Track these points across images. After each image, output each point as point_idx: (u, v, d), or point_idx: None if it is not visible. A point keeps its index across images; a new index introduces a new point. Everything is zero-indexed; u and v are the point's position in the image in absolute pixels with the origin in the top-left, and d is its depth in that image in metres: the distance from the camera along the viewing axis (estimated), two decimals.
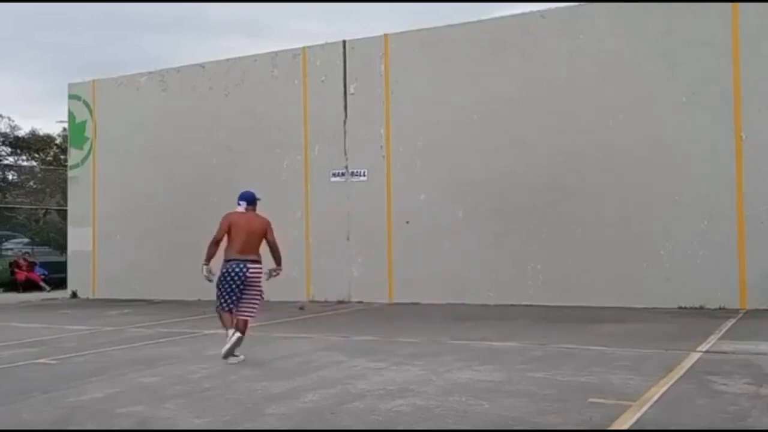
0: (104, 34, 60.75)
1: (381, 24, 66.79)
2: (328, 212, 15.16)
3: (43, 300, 17.97)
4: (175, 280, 16.07)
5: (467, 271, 13.81)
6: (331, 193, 15.17)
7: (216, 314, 8.14)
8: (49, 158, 31.50)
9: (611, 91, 12.94)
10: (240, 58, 16.47)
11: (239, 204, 8.23)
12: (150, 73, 17.69)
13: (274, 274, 8.17)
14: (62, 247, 21.57)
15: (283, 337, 10.00)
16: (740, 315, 11.19)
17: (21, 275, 20.77)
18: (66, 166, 20.20)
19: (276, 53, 16.01)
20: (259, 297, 8.04)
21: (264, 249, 8.18)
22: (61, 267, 19.65)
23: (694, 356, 7.62)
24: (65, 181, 19.98)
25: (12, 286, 20.66)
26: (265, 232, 8.13)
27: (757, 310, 11.59)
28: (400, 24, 58.10)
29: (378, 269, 14.63)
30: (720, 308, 11.78)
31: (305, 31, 62.93)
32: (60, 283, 19.61)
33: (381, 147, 14.79)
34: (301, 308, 13.77)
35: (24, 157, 32.14)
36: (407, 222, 14.44)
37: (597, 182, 12.99)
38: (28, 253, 22.75)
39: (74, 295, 18.17)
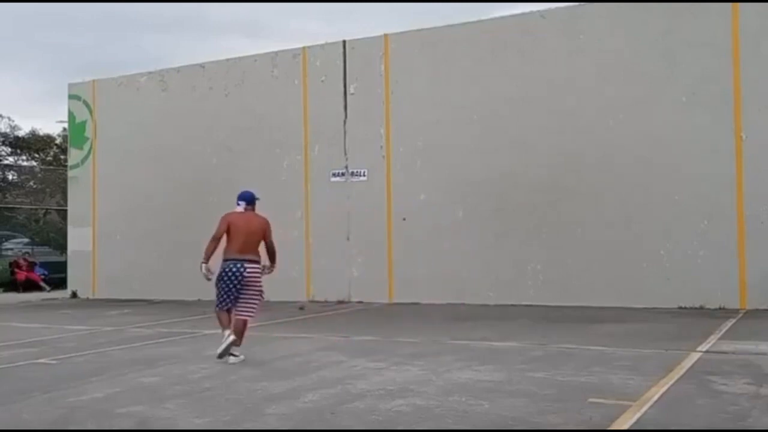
0: (104, 34, 60.79)
1: (381, 24, 66.83)
2: (328, 212, 15.16)
3: (43, 300, 17.97)
4: (175, 280, 16.06)
5: (467, 271, 13.81)
6: (331, 193, 15.17)
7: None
8: (49, 158, 31.50)
9: (611, 91, 12.95)
10: (240, 58, 16.47)
11: (238, 204, 8.24)
12: (150, 73, 17.69)
13: (266, 271, 8.19)
14: (62, 247, 21.57)
15: (283, 337, 10.00)
16: (740, 315, 11.19)
17: (21, 275, 20.78)
18: (66, 166, 20.20)
19: (276, 53, 16.01)
20: (257, 297, 8.03)
21: (263, 248, 8.19)
22: (61, 267, 19.65)
23: (694, 356, 7.62)
24: (65, 181, 19.98)
25: (12, 286, 20.66)
26: (264, 232, 8.14)
27: (757, 310, 11.59)
28: (400, 24, 58.11)
29: (378, 269, 14.63)
30: (720, 308, 11.78)
31: (305, 31, 62.98)
32: (60, 283, 19.61)
33: (381, 147, 14.79)
34: (301, 308, 13.77)
35: (24, 157, 32.16)
36: (404, 219, 14.45)
37: (597, 182, 12.99)
38: (28, 253, 22.75)
39: (74, 295, 18.17)
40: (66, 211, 19.84)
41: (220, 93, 16.54)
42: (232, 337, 7.75)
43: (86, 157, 18.30)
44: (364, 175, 14.95)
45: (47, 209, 27.45)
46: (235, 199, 8.35)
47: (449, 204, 14.10)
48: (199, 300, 14.54)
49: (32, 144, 31.59)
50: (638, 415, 5.30)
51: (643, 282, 12.51)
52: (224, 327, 7.94)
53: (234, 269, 7.88)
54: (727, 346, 8.29)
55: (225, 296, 7.94)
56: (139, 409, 5.81)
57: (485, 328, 10.30)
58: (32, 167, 31.56)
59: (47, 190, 29.12)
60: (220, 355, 7.74)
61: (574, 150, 13.16)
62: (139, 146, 17.51)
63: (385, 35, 14.92)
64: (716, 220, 12.12)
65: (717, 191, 12.13)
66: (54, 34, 58.94)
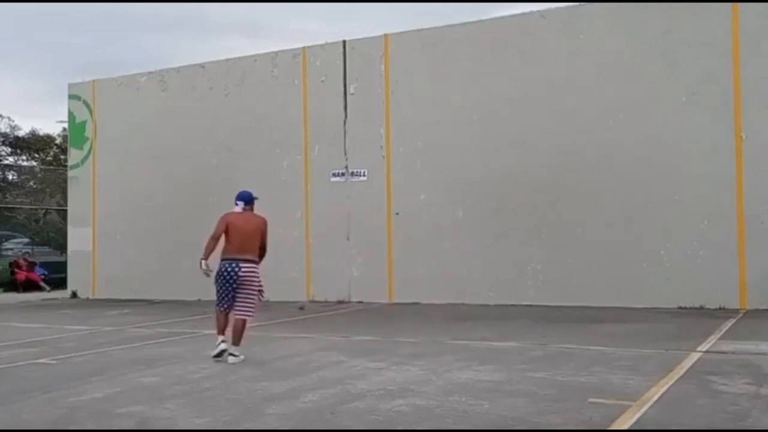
0: (104, 34, 60.80)
1: (381, 24, 66.82)
2: (328, 212, 15.16)
3: (43, 300, 17.97)
4: (175, 280, 16.07)
5: (467, 271, 13.81)
6: (331, 193, 15.17)
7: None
8: (49, 158, 31.50)
9: (611, 91, 12.95)
10: (240, 58, 16.47)
11: (237, 204, 8.26)
12: (150, 73, 17.69)
13: None
14: (62, 247, 21.57)
15: (283, 337, 10.00)
16: (740, 315, 11.19)
17: (21, 275, 20.78)
18: (66, 166, 20.20)
19: (276, 53, 16.01)
20: (254, 296, 8.03)
21: None
22: (61, 267, 19.65)
23: (694, 356, 7.62)
24: (65, 181, 19.98)
25: (12, 286, 20.66)
26: (262, 233, 8.16)
27: (757, 310, 11.59)
28: (400, 24, 58.12)
29: (378, 269, 14.64)
30: (720, 308, 11.78)
31: (305, 31, 62.98)
32: (60, 283, 19.61)
33: (381, 147, 14.79)
34: (301, 308, 13.77)
35: (24, 157, 32.15)
36: (397, 213, 14.47)
37: (597, 182, 12.99)
38: (28, 253, 22.75)
39: (74, 295, 18.17)
40: (66, 211, 19.84)
41: (220, 93, 16.55)
42: (223, 345, 7.90)
43: (86, 157, 18.30)
44: (364, 175, 14.95)
45: (47, 209, 27.44)
46: (234, 199, 8.36)
47: (449, 204, 14.09)
48: (199, 300, 14.55)
49: (32, 144, 31.58)
50: (638, 415, 5.30)
51: (643, 282, 12.51)
52: (219, 332, 8.05)
53: (229, 269, 7.92)
54: (727, 346, 8.29)
55: (222, 296, 8.00)
56: (139, 409, 5.81)
57: (485, 328, 10.31)
58: (32, 167, 31.56)
59: (47, 190, 29.12)
60: (215, 356, 7.84)
61: (574, 150, 13.16)
62: (139, 146, 17.51)
63: (385, 35, 14.92)
64: (716, 220, 12.12)
65: (717, 191, 12.13)
66: (54, 34, 58.99)
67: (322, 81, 15.37)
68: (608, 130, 12.94)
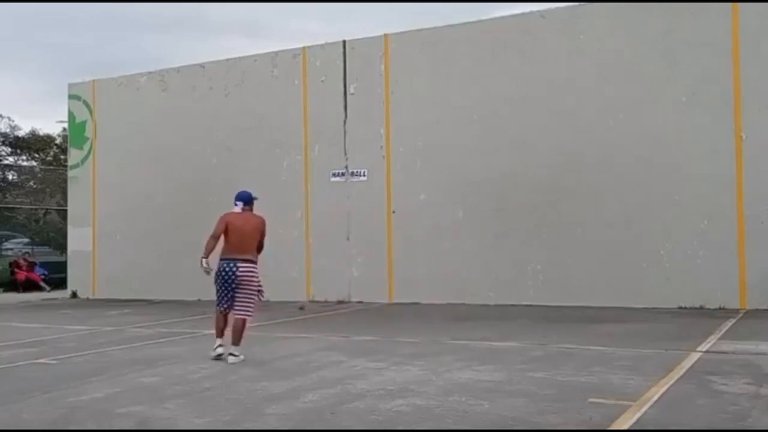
0: (104, 34, 60.80)
1: (381, 24, 66.82)
2: (328, 212, 15.16)
3: (43, 300, 17.97)
4: (175, 280, 16.07)
5: (467, 271, 13.81)
6: (331, 193, 15.17)
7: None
8: (49, 158, 31.50)
9: (611, 91, 12.94)
10: (240, 58, 16.47)
11: (236, 204, 8.29)
12: (150, 73, 17.69)
13: None
14: (62, 247, 21.57)
15: (283, 337, 10.00)
16: (740, 315, 11.19)
17: (21, 275, 20.78)
18: (66, 166, 20.20)
19: (276, 53, 16.01)
20: (253, 296, 8.05)
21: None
22: (61, 267, 19.65)
23: (694, 356, 7.62)
24: (65, 181, 19.98)
25: (12, 286, 20.66)
26: (261, 233, 8.18)
27: (757, 310, 11.59)
28: (400, 24, 58.11)
29: (378, 269, 14.64)
30: (720, 308, 11.78)
31: (305, 31, 62.99)
32: (60, 283, 19.61)
33: (381, 147, 14.79)
34: (301, 308, 13.77)
35: (24, 157, 32.15)
36: (394, 211, 14.48)
37: (597, 182, 12.99)
38: (28, 253, 22.75)
39: (74, 295, 18.17)
40: (66, 211, 19.84)
41: (220, 93, 16.55)
42: (220, 350, 8.00)
43: (86, 157, 18.30)
44: (364, 175, 14.95)
45: (47, 209, 27.44)
46: (234, 200, 8.38)
47: (449, 204, 14.09)
48: (199, 300, 14.55)
49: (32, 144, 31.58)
50: (638, 415, 5.30)
51: (643, 282, 12.51)
52: (217, 335, 8.13)
53: (227, 269, 7.96)
54: (727, 346, 8.29)
55: (221, 296, 8.05)
56: (139, 409, 5.82)
57: (485, 328, 10.31)
58: (32, 167, 31.55)
59: (47, 190, 29.12)
60: (213, 358, 7.91)
61: (574, 150, 13.16)
62: (139, 146, 17.51)
63: (385, 35, 14.92)
64: (716, 220, 12.12)
65: (717, 191, 12.12)
66: (54, 34, 58.99)
67: (322, 81, 15.37)
68: (608, 130, 12.94)
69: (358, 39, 15.20)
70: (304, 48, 15.69)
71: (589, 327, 10.29)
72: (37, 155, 31.89)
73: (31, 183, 30.80)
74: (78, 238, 18.34)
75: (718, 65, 12.20)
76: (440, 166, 14.23)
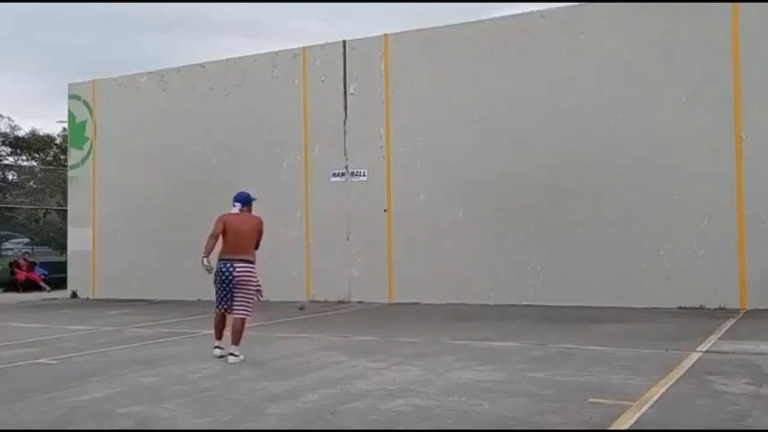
0: (104, 34, 60.81)
1: (381, 24, 66.82)
2: (328, 212, 15.16)
3: (43, 300, 17.97)
4: (175, 280, 16.08)
5: (467, 271, 13.81)
6: (331, 193, 15.17)
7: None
8: (49, 158, 31.50)
9: (611, 91, 12.94)
10: (240, 58, 16.47)
11: (234, 205, 8.31)
12: (150, 73, 17.69)
13: None
14: (62, 247, 21.57)
15: (283, 337, 10.00)
16: (740, 315, 11.19)
17: (21, 275, 20.78)
18: (66, 166, 20.20)
19: (276, 53, 16.01)
20: (251, 296, 8.06)
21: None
22: (61, 267, 19.65)
23: (694, 356, 7.62)
24: (65, 181, 19.98)
25: (12, 286, 20.66)
26: (258, 233, 8.20)
27: (757, 310, 11.59)
28: (400, 24, 58.12)
29: (378, 269, 14.63)
30: (720, 308, 11.78)
31: (305, 31, 62.99)
32: (60, 283, 19.61)
33: (381, 147, 14.79)
34: (301, 308, 13.77)
35: (24, 157, 32.15)
36: (385, 210, 14.49)
37: (597, 182, 12.99)
38: (28, 253, 22.75)
39: (74, 295, 18.17)
40: (66, 211, 19.83)
41: (220, 93, 16.55)
42: (217, 352, 8.09)
43: (86, 157, 18.30)
44: (364, 175, 14.95)
45: (47, 209, 27.44)
46: (232, 200, 8.40)
47: (449, 204, 14.09)
48: (199, 300, 14.56)
49: (32, 144, 31.58)
50: (638, 415, 5.30)
51: (643, 282, 12.51)
52: (216, 336, 8.21)
53: (224, 269, 8.00)
54: (727, 346, 8.29)
55: (220, 296, 8.09)
56: (139, 409, 5.82)
57: (485, 328, 10.30)
58: (32, 167, 31.55)
59: (47, 190, 29.12)
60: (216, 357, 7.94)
61: (574, 150, 13.16)
62: (139, 146, 17.51)
63: (385, 35, 14.92)
64: (716, 220, 12.12)
65: (717, 191, 12.12)
66: (54, 34, 59.00)
67: (322, 81, 15.37)
68: (608, 130, 12.94)
69: (358, 39, 15.20)
70: (304, 48, 15.69)
71: (589, 327, 10.29)
72: (37, 155, 31.89)
73: (31, 183, 30.80)
74: (78, 238, 18.35)
75: (718, 65, 12.20)
76: (440, 166, 14.23)
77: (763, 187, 11.86)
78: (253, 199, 8.43)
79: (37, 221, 26.51)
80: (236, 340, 7.90)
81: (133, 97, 17.69)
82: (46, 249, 25.08)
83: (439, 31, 14.46)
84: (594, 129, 13.06)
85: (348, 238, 14.98)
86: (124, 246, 17.50)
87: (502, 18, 14.23)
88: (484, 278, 13.67)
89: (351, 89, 15.12)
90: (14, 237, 26.36)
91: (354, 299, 14.71)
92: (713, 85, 12.22)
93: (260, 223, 8.27)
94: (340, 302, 14.63)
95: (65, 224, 19.92)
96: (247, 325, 8.10)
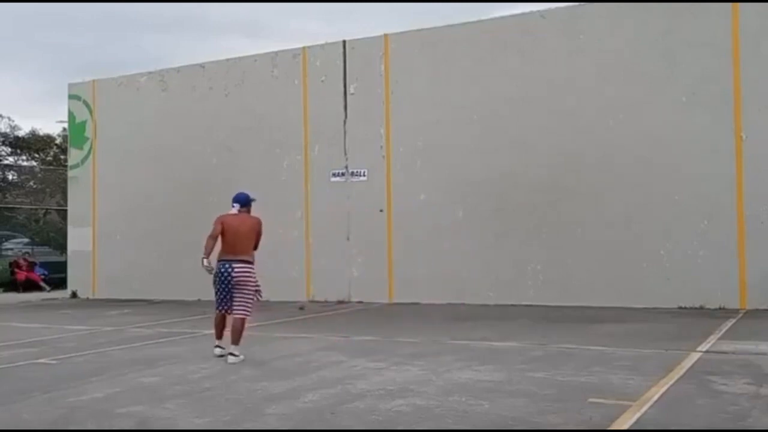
0: (104, 34, 60.81)
1: (381, 24, 66.82)
2: (328, 212, 15.16)
3: (43, 300, 17.97)
4: (175, 280, 16.08)
5: (467, 271, 13.81)
6: (331, 193, 15.17)
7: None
8: (49, 158, 31.50)
9: (611, 91, 12.94)
10: (240, 58, 16.47)
11: (233, 206, 8.32)
12: (150, 73, 17.69)
13: None
14: (62, 247, 21.57)
15: (283, 337, 10.00)
16: (740, 315, 11.19)
17: (21, 275, 20.78)
18: (66, 166, 20.20)
19: (276, 53, 16.01)
20: (250, 296, 8.07)
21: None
22: (61, 267, 19.65)
23: (694, 356, 7.62)
24: (65, 181, 19.98)
25: (12, 286, 20.66)
26: (257, 234, 8.21)
27: (757, 310, 11.59)
28: (400, 24, 58.12)
29: (378, 269, 14.63)
30: (720, 308, 11.78)
31: (305, 31, 62.99)
32: (60, 283, 19.61)
33: (381, 147, 14.79)
34: (301, 308, 13.77)
35: (24, 157, 32.15)
36: (381, 210, 14.50)
37: (597, 182, 12.99)
38: (28, 253, 22.75)
39: (74, 295, 18.17)
40: (66, 211, 19.83)
41: (220, 93, 16.55)
42: (218, 351, 8.12)
43: (86, 157, 18.30)
44: (364, 175, 14.95)
45: (47, 209, 27.44)
46: (231, 201, 8.42)
47: (449, 204, 14.09)
48: (199, 300, 14.55)
49: (32, 144, 31.58)
50: (638, 415, 5.30)
51: (643, 282, 12.51)
52: (216, 336, 8.24)
53: (222, 270, 8.02)
54: (727, 346, 8.29)
55: (219, 297, 8.12)
56: (139, 409, 5.82)
57: (485, 328, 10.30)
58: (32, 167, 31.55)
59: (47, 190, 29.12)
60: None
61: (574, 150, 13.16)
62: (139, 146, 17.51)
63: (385, 35, 14.92)
64: (716, 220, 12.12)
65: (717, 191, 12.12)
66: (54, 34, 59.00)
67: (322, 81, 15.37)
68: (608, 130, 12.94)
69: (358, 39, 15.20)
70: (304, 48, 15.69)
71: (589, 327, 10.29)
72: (37, 155, 31.89)
73: (31, 183, 30.80)
74: (78, 238, 18.34)
75: (718, 65, 12.20)
76: (440, 166, 14.23)
77: (763, 187, 11.86)
78: (252, 200, 8.45)
79: (37, 221, 26.51)
80: (236, 340, 7.91)
81: (133, 97, 17.69)
82: (46, 249, 25.08)
83: (439, 31, 14.46)
84: (594, 129, 13.06)
85: (348, 238, 14.98)
86: (124, 246, 17.50)
87: (502, 18, 14.23)
88: (484, 278, 13.67)
89: (351, 89, 15.12)
90: (14, 237, 26.37)
91: (354, 299, 14.71)
92: (713, 85, 12.22)
93: (259, 223, 8.28)
94: (340, 302, 14.63)
95: (65, 224, 19.92)
96: (246, 325, 8.11)
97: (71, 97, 18.64)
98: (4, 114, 32.51)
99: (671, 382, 6.35)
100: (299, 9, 66.19)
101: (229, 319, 8.12)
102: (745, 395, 5.83)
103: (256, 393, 6.33)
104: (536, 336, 9.39)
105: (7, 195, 28.08)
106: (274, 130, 15.81)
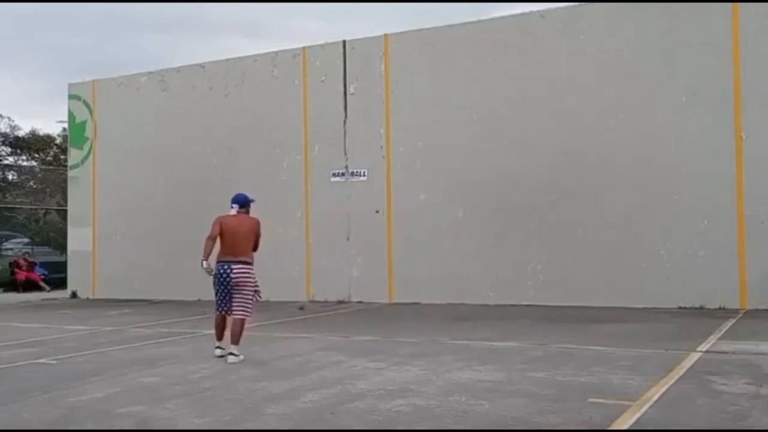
0: (104, 34, 60.81)
1: (381, 24, 66.83)
2: (328, 212, 15.16)
3: (43, 300, 17.97)
4: (175, 280, 16.07)
5: (467, 271, 13.81)
6: (331, 193, 15.17)
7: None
8: (49, 158, 31.50)
9: (611, 91, 12.94)
10: (240, 58, 16.47)
11: (232, 207, 8.32)
12: (150, 73, 17.69)
13: None
14: (62, 247, 21.57)
15: (283, 337, 10.00)
16: (740, 315, 11.19)
17: (21, 275, 20.78)
18: (66, 166, 20.20)
19: (276, 53, 16.01)
20: (249, 297, 8.07)
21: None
22: (61, 267, 19.65)
23: (694, 356, 7.62)
24: (65, 181, 19.98)
25: (12, 286, 20.66)
26: (255, 234, 8.21)
27: (757, 310, 11.59)
28: (400, 24, 58.12)
29: (378, 269, 14.63)
30: (720, 308, 11.78)
31: (305, 31, 63.00)
32: (60, 283, 19.61)
33: (381, 147, 14.79)
34: (301, 308, 13.77)
35: (24, 157, 32.15)
36: (377, 211, 14.51)
37: (597, 182, 12.99)
38: (28, 253, 22.75)
39: (74, 295, 18.17)
40: (66, 211, 19.83)
41: (220, 93, 16.54)
42: (218, 351, 8.12)
43: (86, 157, 18.30)
44: (364, 175, 14.95)
45: (47, 209, 27.44)
46: (230, 202, 8.42)
47: (449, 204, 14.09)
48: (199, 300, 14.55)
49: (32, 144, 31.58)
50: (638, 415, 5.30)
51: (643, 282, 12.51)
52: (217, 337, 8.24)
53: (221, 271, 8.02)
54: (727, 346, 8.29)
55: (218, 298, 8.13)
56: (139, 409, 5.82)
57: (485, 328, 10.30)
58: (32, 167, 31.55)
59: (47, 190, 29.12)
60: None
61: (574, 150, 13.16)
62: (139, 146, 17.51)
63: (385, 35, 14.92)
64: (716, 220, 12.12)
65: (717, 191, 12.12)
66: (54, 34, 59.01)
67: (322, 81, 15.37)
68: (608, 130, 12.94)
69: (358, 39, 15.20)
70: (304, 48, 15.69)
71: (589, 327, 10.29)
72: (37, 155, 31.89)
73: (31, 183, 30.80)
74: (78, 238, 18.34)
75: (718, 65, 12.20)
76: (440, 166, 14.23)
77: (763, 187, 11.86)
78: (251, 201, 8.45)
79: (37, 221, 26.51)
80: (236, 340, 7.92)
81: (133, 97, 17.69)
82: (46, 249, 25.08)
83: (439, 31, 14.46)
84: (594, 129, 13.06)
85: (348, 238, 14.98)
86: (124, 246, 17.50)
87: (502, 18, 14.23)
88: (484, 278, 13.67)
89: (351, 89, 15.12)
90: (14, 237, 26.37)
91: (354, 299, 14.71)
92: (713, 85, 12.22)
93: (257, 224, 8.28)
94: (340, 302, 14.63)
95: (65, 224, 19.92)
96: (246, 325, 8.12)
97: (71, 97, 18.64)
98: (4, 114, 32.58)
99: (671, 382, 6.35)
100: (299, 9, 66.22)
101: (230, 320, 8.12)
102: (745, 395, 5.83)
103: (256, 393, 6.33)
104: (536, 336, 9.39)
105: (7, 195, 28.08)
106: (274, 130, 15.81)
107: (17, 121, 42.50)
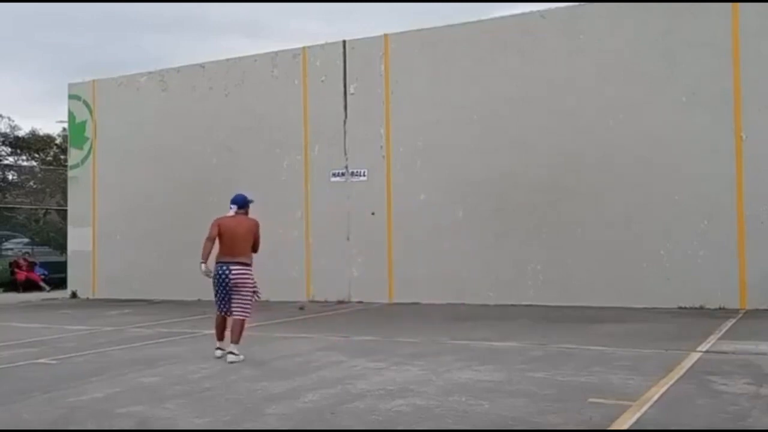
0: (104, 34, 60.82)
1: (381, 24, 66.83)
2: (328, 212, 15.16)
3: (43, 300, 17.97)
4: (175, 280, 16.07)
5: (467, 271, 13.81)
6: (331, 193, 15.17)
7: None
8: (49, 158, 31.50)
9: (611, 91, 12.94)
10: (240, 58, 16.47)
11: (231, 208, 8.32)
12: (150, 73, 17.69)
13: None
14: (62, 247, 21.57)
15: (283, 337, 10.00)
16: (740, 315, 11.19)
17: (21, 275, 20.78)
18: (66, 166, 20.20)
19: (276, 53, 16.01)
20: (248, 297, 8.08)
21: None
22: (61, 267, 19.65)
23: (694, 356, 7.62)
24: (65, 181, 19.98)
25: (12, 286, 20.66)
26: (254, 235, 8.20)
27: (757, 310, 11.59)
28: (400, 24, 58.12)
29: (378, 269, 14.63)
30: (720, 308, 11.78)
31: (305, 31, 63.00)
32: (60, 283, 19.61)
33: (381, 147, 14.79)
34: (301, 308, 13.77)
35: (24, 157, 32.15)
36: (372, 213, 14.52)
37: (597, 182, 12.99)
38: (28, 253, 22.75)
39: (74, 295, 18.17)
40: (66, 211, 19.83)
41: (220, 93, 16.54)
42: (218, 352, 8.12)
43: (86, 157, 18.30)
44: (364, 175, 14.95)
45: (47, 209, 27.44)
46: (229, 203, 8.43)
47: (449, 204, 14.09)
48: (199, 300, 14.54)
49: (32, 144, 31.58)
50: (638, 415, 5.30)
51: (643, 282, 12.51)
52: (217, 338, 8.24)
53: (220, 272, 8.03)
54: (727, 346, 8.29)
55: (218, 299, 8.14)
56: (139, 409, 5.82)
57: (485, 328, 10.30)
58: (32, 167, 31.55)
59: (47, 190, 29.12)
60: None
61: (574, 150, 13.16)
62: (139, 146, 17.51)
63: (385, 35, 14.92)
64: (716, 220, 12.12)
65: (717, 191, 12.12)
66: (54, 34, 59.01)
67: (322, 81, 15.37)
68: (608, 130, 12.94)
69: (358, 39, 15.20)
70: (304, 48, 15.69)
71: (589, 327, 10.29)
72: (37, 155, 31.89)
73: (31, 183, 30.79)
74: (78, 238, 18.34)
75: (718, 65, 12.20)
76: (440, 166, 14.23)
77: (763, 187, 11.86)
78: (251, 201, 8.45)
79: (37, 221, 26.51)
80: (236, 340, 7.92)
81: (133, 97, 17.69)
82: (46, 249, 25.09)
83: (439, 31, 14.46)
84: (594, 129, 13.06)
85: (348, 238, 14.98)
86: (124, 246, 17.50)
87: (502, 18, 14.23)
88: (484, 278, 13.67)
89: (351, 89, 15.12)
90: (14, 237, 26.37)
91: (354, 299, 14.71)
92: (713, 85, 12.22)
93: (256, 225, 8.27)
94: (340, 302, 14.63)
95: (65, 224, 19.92)
96: (246, 325, 8.12)
97: (71, 97, 18.64)
98: (4, 114, 32.58)
99: (671, 382, 6.35)
100: (299, 9, 66.22)
101: (230, 321, 8.12)
102: (745, 395, 5.83)
103: (256, 393, 6.33)
104: (536, 336, 9.39)
105: (7, 195, 28.08)
106: (274, 130, 15.81)
107: (17, 121, 42.55)
